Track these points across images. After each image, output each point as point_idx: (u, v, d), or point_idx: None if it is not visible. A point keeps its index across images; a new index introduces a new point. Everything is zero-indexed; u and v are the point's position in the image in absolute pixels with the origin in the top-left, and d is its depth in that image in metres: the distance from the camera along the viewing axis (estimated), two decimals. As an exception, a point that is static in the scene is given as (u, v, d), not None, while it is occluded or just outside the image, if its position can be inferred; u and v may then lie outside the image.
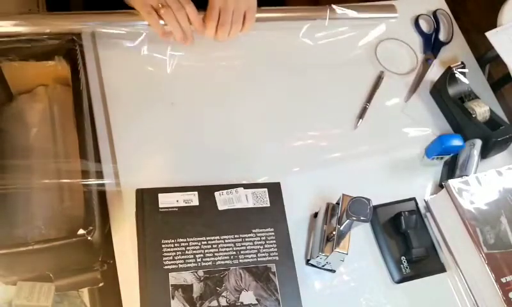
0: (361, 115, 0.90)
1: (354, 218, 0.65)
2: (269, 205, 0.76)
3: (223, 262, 0.70)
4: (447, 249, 0.79)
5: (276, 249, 0.72)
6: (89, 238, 0.66)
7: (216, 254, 0.70)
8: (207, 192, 0.74)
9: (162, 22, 0.84)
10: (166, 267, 0.68)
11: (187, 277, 0.68)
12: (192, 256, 0.69)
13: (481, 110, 0.88)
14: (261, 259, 0.71)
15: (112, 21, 0.87)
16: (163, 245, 0.69)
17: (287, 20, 0.95)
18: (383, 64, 0.96)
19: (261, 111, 0.88)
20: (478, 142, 0.85)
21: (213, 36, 0.88)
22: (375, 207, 0.81)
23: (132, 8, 0.85)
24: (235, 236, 0.72)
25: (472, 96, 0.91)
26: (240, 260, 0.71)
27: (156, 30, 0.85)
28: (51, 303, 0.74)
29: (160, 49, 0.90)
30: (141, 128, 0.83)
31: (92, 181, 0.71)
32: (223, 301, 0.68)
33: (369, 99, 0.92)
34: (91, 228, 0.66)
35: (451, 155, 0.86)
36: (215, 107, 0.87)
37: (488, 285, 0.72)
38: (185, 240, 0.70)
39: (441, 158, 0.87)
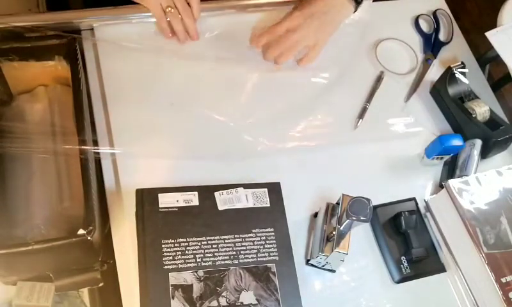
0: (361, 115, 0.90)
1: (354, 218, 0.65)
2: (269, 205, 0.76)
3: (223, 262, 0.70)
4: (447, 249, 0.79)
5: (276, 249, 0.72)
6: (89, 238, 0.66)
7: (216, 254, 0.70)
8: (207, 192, 0.74)
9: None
10: (166, 267, 0.68)
11: (187, 277, 0.68)
12: (192, 256, 0.69)
13: (481, 110, 0.88)
14: (261, 259, 0.71)
15: (114, 15, 0.90)
16: (163, 245, 0.69)
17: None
18: (383, 64, 0.96)
19: (261, 111, 0.88)
20: (478, 142, 0.85)
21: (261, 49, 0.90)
22: (375, 207, 0.81)
23: (133, 3, 0.88)
24: (235, 236, 0.72)
25: (471, 96, 0.91)
26: (240, 260, 0.71)
27: (164, 33, 0.90)
28: (51, 303, 0.74)
29: (160, 49, 0.90)
30: (141, 128, 0.83)
31: (92, 180, 0.71)
32: (223, 301, 0.68)
33: (369, 99, 0.92)
34: (91, 228, 0.66)
35: (451, 155, 0.86)
36: (215, 107, 0.87)
37: (488, 285, 0.72)
38: (185, 240, 0.70)
39: (441, 158, 0.87)
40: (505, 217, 0.76)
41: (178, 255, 0.69)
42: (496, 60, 0.97)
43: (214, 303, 0.67)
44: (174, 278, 0.68)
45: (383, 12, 1.02)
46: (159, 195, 0.73)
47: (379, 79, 0.95)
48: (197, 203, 0.73)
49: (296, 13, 0.89)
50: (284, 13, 0.90)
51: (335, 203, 0.75)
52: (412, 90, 0.95)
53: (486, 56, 1.05)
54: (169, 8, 0.87)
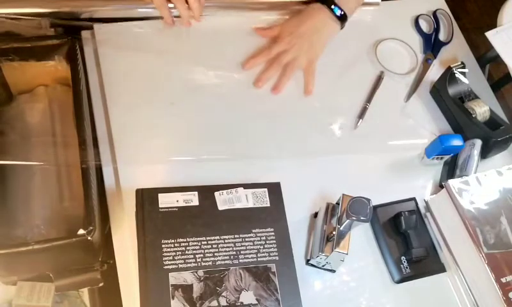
0: (361, 115, 0.90)
1: (354, 218, 0.65)
2: (269, 205, 0.76)
3: (223, 262, 0.70)
4: (447, 249, 0.79)
5: (276, 249, 0.72)
6: (89, 238, 0.66)
7: (216, 254, 0.70)
8: (207, 192, 0.74)
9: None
10: (166, 267, 0.68)
11: (187, 277, 0.68)
12: (192, 256, 0.69)
13: (481, 110, 0.88)
14: (261, 259, 0.71)
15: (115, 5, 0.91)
16: (163, 245, 0.69)
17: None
18: (382, 64, 0.96)
19: (261, 111, 0.88)
20: (478, 142, 0.85)
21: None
22: (375, 207, 0.81)
23: None
24: (235, 236, 0.72)
25: (472, 96, 0.91)
26: (240, 260, 0.71)
27: (167, 20, 0.91)
28: (51, 303, 0.75)
29: (160, 49, 0.90)
30: (141, 128, 0.83)
31: (92, 180, 0.71)
32: (223, 301, 0.68)
33: (369, 99, 0.92)
34: (91, 228, 0.66)
35: (451, 155, 0.86)
36: (215, 107, 0.87)
37: (488, 285, 0.72)
38: (185, 240, 0.70)
39: (441, 158, 0.87)
40: (505, 217, 0.76)
41: (178, 255, 0.69)
42: (496, 60, 0.97)
43: (214, 303, 0.67)
44: (174, 278, 0.68)
45: (382, 12, 1.02)
46: (159, 195, 0.73)
47: (379, 79, 0.95)
48: (197, 203, 0.73)
49: (284, 35, 0.90)
50: (284, 14, 0.91)
51: (335, 203, 0.75)
52: (412, 90, 0.95)
53: (486, 56, 1.05)
54: None
